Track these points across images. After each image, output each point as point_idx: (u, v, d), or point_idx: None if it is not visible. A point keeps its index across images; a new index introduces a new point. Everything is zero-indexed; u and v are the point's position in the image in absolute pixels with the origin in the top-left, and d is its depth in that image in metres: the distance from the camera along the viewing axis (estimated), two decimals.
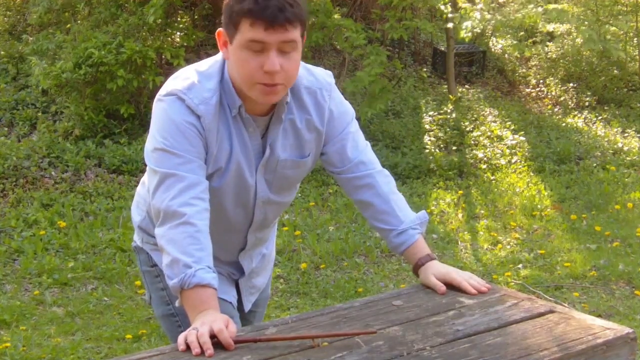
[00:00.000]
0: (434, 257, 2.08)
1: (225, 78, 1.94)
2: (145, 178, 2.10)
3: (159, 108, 1.93)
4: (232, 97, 1.93)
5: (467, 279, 2.01)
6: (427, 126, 7.82)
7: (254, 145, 2.00)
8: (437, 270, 2.03)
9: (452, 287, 2.00)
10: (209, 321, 1.72)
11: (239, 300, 2.30)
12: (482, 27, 7.84)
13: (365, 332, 1.74)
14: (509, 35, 9.48)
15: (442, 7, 7.60)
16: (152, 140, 1.93)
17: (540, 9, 7.59)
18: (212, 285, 1.82)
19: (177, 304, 1.89)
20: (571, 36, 9.53)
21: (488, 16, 7.61)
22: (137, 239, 2.28)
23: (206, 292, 1.81)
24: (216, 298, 1.84)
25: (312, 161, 2.12)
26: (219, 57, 1.98)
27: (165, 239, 1.86)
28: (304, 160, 2.08)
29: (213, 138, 1.92)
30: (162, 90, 1.95)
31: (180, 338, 1.71)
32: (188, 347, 1.69)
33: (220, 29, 1.91)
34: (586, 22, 8.14)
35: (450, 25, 7.90)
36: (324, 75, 2.08)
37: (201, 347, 1.67)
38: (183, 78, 1.95)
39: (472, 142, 7.62)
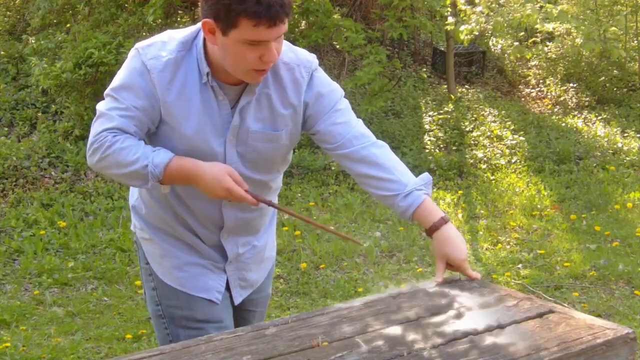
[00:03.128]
0: (447, 219, 2.08)
1: (199, 46, 1.99)
2: None
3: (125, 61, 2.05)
4: (202, 64, 1.99)
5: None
6: (427, 126, 7.82)
7: (223, 114, 2.03)
8: (453, 254, 2.04)
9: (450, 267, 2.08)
10: (222, 183, 1.96)
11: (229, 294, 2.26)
12: (479, 29, 7.83)
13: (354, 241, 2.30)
14: (508, 35, 9.48)
15: (442, 10, 7.60)
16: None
17: (537, 7, 7.57)
18: (173, 156, 1.96)
19: (166, 190, 2.03)
20: (571, 36, 9.53)
21: (483, 19, 7.60)
22: (132, 226, 2.31)
23: (178, 162, 1.96)
24: (184, 157, 1.98)
25: (287, 138, 2.12)
26: (195, 27, 2.03)
27: (109, 170, 1.98)
28: (277, 133, 2.08)
29: (164, 90, 1.97)
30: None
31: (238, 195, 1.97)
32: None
33: (206, 20, 1.89)
34: (586, 22, 8.13)
35: (449, 27, 7.90)
36: (306, 55, 2.11)
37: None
38: (154, 37, 2.04)
39: (472, 142, 7.62)
